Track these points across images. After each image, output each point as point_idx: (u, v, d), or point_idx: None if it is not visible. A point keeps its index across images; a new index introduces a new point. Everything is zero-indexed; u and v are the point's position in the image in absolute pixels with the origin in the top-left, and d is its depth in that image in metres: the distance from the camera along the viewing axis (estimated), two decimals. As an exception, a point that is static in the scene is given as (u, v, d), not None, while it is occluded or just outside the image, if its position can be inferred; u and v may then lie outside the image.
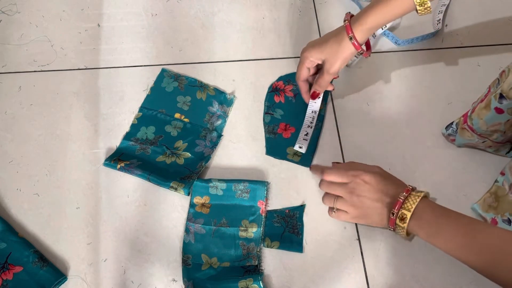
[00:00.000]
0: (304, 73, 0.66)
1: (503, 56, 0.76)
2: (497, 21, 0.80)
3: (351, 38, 0.59)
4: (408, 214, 0.53)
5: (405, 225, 0.54)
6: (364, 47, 0.62)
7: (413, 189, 0.56)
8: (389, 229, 0.57)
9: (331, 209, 0.61)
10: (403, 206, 0.54)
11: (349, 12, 0.61)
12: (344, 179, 0.59)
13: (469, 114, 0.61)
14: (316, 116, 0.68)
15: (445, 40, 0.77)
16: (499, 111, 0.55)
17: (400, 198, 0.55)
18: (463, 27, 0.79)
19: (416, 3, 0.55)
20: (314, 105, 0.68)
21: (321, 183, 0.62)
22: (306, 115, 0.68)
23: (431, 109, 0.71)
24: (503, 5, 0.81)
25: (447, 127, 0.67)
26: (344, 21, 0.60)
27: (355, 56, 0.67)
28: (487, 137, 0.61)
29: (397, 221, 0.54)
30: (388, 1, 0.57)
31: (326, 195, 0.61)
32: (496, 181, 0.63)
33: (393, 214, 0.55)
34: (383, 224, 0.57)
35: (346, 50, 0.60)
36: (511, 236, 0.47)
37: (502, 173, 0.62)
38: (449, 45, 0.77)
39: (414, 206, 0.53)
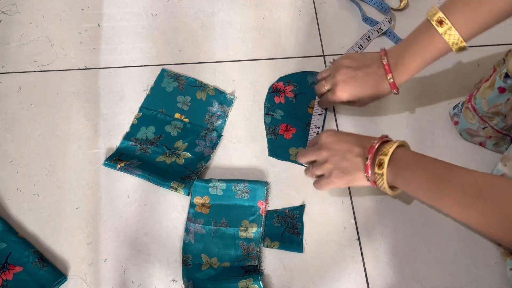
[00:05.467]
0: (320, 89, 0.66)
1: (503, 56, 0.76)
2: (497, 21, 0.80)
3: (393, 90, 0.60)
4: (386, 159, 0.52)
5: (383, 170, 0.52)
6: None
7: (387, 136, 0.55)
8: (367, 178, 0.54)
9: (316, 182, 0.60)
10: (380, 151, 0.53)
11: (384, 51, 0.60)
12: (315, 149, 0.59)
13: (474, 93, 0.61)
14: (320, 131, 0.68)
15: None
16: (502, 90, 0.55)
17: (373, 143, 0.54)
18: (463, 27, 0.79)
19: (454, 49, 0.56)
20: (317, 121, 0.69)
21: (297, 156, 0.62)
22: (310, 130, 0.68)
23: (431, 109, 0.71)
24: (503, 5, 0.81)
25: (454, 107, 0.67)
26: (388, 77, 0.59)
27: None
28: (487, 121, 0.60)
29: (376, 168, 0.53)
30: (427, 43, 0.56)
31: (306, 169, 0.61)
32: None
33: (367, 159, 0.53)
34: (362, 178, 0.55)
35: (381, 95, 0.61)
36: (487, 177, 0.46)
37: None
38: (449, 45, 0.77)
39: (391, 150, 0.52)
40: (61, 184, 0.64)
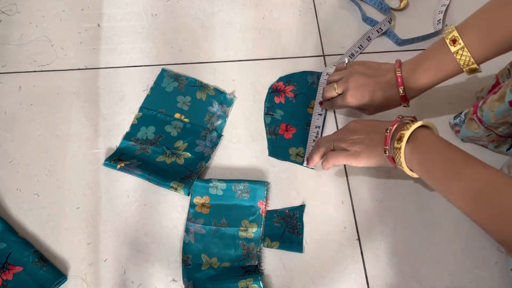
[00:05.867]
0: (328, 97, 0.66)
1: (502, 56, 0.76)
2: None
3: (405, 106, 0.60)
4: (407, 133, 0.51)
5: (402, 144, 0.51)
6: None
7: (415, 118, 0.55)
8: (385, 151, 0.54)
9: (327, 160, 0.60)
10: (403, 127, 0.52)
11: (399, 62, 0.60)
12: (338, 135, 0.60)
13: (479, 105, 0.60)
14: (320, 131, 0.68)
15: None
16: None
17: (398, 117, 0.54)
18: (463, 27, 0.79)
19: (465, 70, 0.55)
20: (317, 121, 0.69)
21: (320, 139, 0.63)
22: (310, 130, 0.68)
23: (431, 108, 0.71)
24: (503, 5, 0.81)
25: (455, 117, 0.66)
26: (399, 90, 0.59)
27: None
28: (493, 130, 0.60)
29: (395, 142, 0.52)
30: (441, 61, 0.56)
31: (327, 140, 0.61)
32: None
33: (387, 130, 0.53)
34: (380, 154, 0.55)
35: (390, 107, 0.62)
36: (498, 175, 0.45)
37: None
38: (449, 45, 0.77)
39: (414, 127, 0.51)
40: (61, 184, 0.64)
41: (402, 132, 0.52)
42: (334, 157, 0.59)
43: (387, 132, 0.53)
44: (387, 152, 0.53)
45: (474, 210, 0.46)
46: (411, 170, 0.53)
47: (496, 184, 0.44)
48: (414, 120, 0.54)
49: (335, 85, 0.63)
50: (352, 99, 0.62)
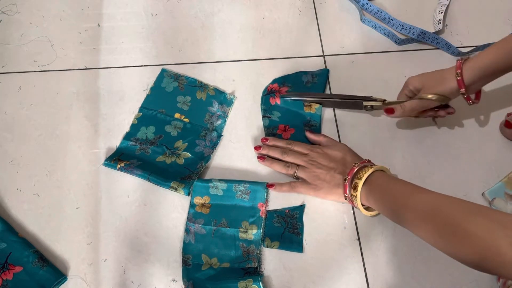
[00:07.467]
0: (401, 98, 0.66)
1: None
2: (497, 21, 0.80)
3: (458, 75, 0.57)
4: (360, 183, 0.56)
5: (357, 193, 0.57)
6: (473, 96, 0.61)
7: (369, 162, 0.60)
8: (345, 199, 0.60)
9: (282, 185, 0.63)
10: (356, 176, 0.57)
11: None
12: (305, 150, 0.64)
13: None
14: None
15: (445, 40, 0.77)
16: None
17: (354, 165, 0.58)
18: (463, 27, 0.79)
19: None
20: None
21: (285, 152, 0.64)
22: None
23: (431, 109, 0.71)
24: (503, 5, 0.81)
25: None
26: (457, 60, 0.59)
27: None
28: None
29: (352, 191, 0.57)
30: (504, 43, 0.57)
31: (288, 164, 0.64)
32: None
33: (345, 180, 0.58)
34: (339, 194, 0.60)
35: (447, 84, 0.59)
36: (443, 198, 0.49)
37: None
38: (449, 45, 0.77)
39: (365, 176, 0.56)
40: (61, 184, 0.64)
41: (356, 181, 0.57)
42: (297, 187, 0.63)
43: (345, 182, 0.58)
44: (347, 198, 0.59)
45: (425, 232, 0.49)
46: (367, 208, 0.59)
47: (441, 206, 0.48)
48: (369, 164, 0.59)
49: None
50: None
